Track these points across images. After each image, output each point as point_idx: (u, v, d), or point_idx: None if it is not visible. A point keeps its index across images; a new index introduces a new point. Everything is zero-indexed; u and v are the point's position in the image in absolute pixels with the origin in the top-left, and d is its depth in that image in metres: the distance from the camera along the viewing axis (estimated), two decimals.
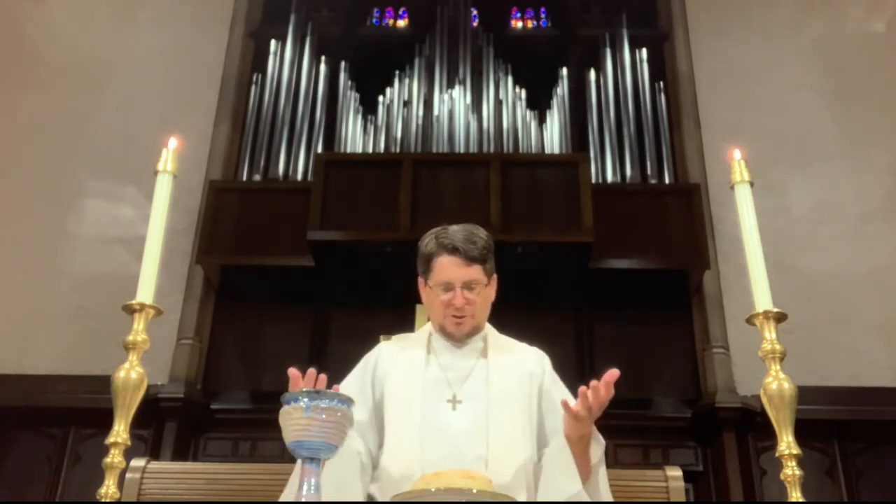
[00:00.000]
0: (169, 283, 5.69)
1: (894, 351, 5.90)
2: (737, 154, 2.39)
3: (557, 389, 2.24)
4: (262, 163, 6.32)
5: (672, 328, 6.06)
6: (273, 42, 6.83)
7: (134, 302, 2.13)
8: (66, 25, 7.13)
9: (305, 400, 1.51)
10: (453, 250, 2.13)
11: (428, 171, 6.00)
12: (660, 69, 6.87)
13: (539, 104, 6.64)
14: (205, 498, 2.51)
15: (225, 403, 5.83)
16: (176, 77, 6.88)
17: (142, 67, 6.95)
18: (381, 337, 2.44)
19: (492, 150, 6.26)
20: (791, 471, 2.05)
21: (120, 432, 2.04)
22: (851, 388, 5.70)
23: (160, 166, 2.31)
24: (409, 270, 2.37)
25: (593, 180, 6.06)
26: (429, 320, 2.30)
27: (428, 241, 2.19)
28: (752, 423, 5.50)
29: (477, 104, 6.50)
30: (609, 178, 6.29)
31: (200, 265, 5.97)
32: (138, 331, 2.11)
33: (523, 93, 6.61)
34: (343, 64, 6.81)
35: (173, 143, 2.37)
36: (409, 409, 2.10)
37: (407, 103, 6.51)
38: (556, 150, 6.37)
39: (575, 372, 5.77)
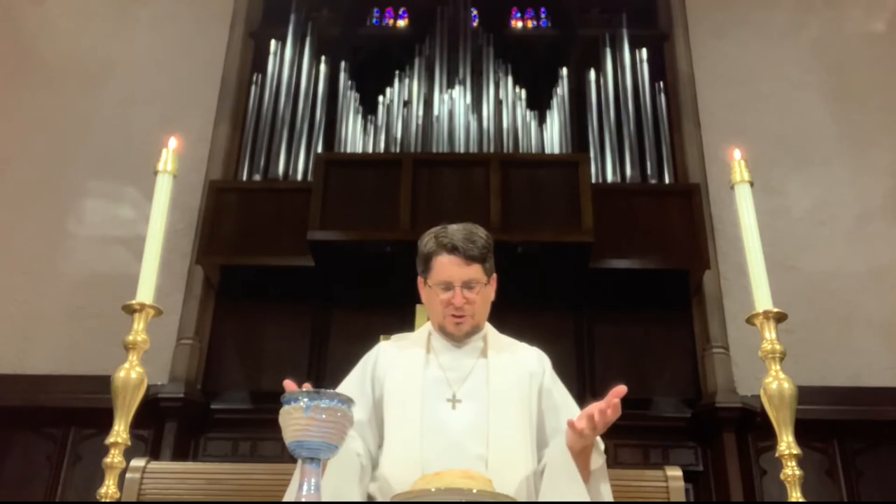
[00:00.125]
0: (169, 283, 5.69)
1: (894, 351, 5.90)
2: (737, 154, 2.39)
3: (558, 389, 2.24)
4: (262, 163, 6.32)
5: (672, 328, 6.06)
6: (273, 42, 6.83)
7: (134, 302, 2.13)
8: (66, 25, 7.13)
9: (305, 400, 1.51)
10: (453, 249, 2.13)
11: (428, 171, 6.00)
12: (660, 69, 6.87)
13: (539, 104, 6.64)
14: (205, 498, 2.51)
15: (225, 403, 5.83)
16: (176, 77, 6.88)
17: (142, 67, 6.96)
18: (381, 337, 2.44)
19: (492, 150, 6.26)
20: (791, 471, 2.05)
21: (120, 432, 2.04)
22: (851, 388, 5.70)
23: (160, 166, 2.31)
24: (409, 270, 2.38)
25: (593, 180, 6.06)
26: (428, 320, 2.30)
27: (427, 241, 2.19)
28: (752, 423, 5.50)
29: (477, 104, 6.50)
30: (609, 178, 6.29)
31: (200, 265, 5.97)
32: (138, 331, 2.12)
33: (523, 93, 6.61)
34: (343, 64, 6.81)
35: (173, 143, 2.37)
36: (409, 409, 2.10)
37: (407, 103, 6.51)
38: (556, 150, 6.37)
39: (575, 372, 5.78)
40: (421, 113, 6.44)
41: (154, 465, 2.60)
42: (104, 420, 2.18)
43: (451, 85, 6.55)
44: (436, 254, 2.15)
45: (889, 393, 5.70)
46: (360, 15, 7.37)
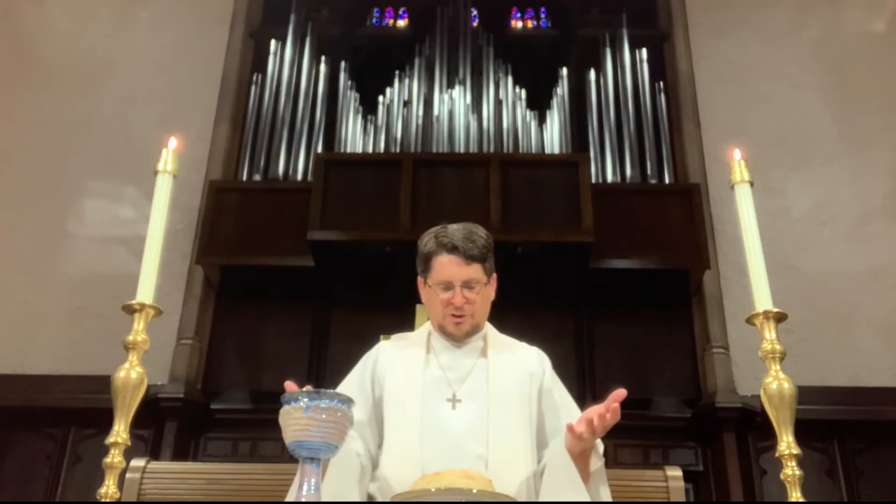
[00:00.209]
0: (169, 283, 5.69)
1: (894, 351, 5.90)
2: (737, 154, 2.39)
3: (558, 389, 2.23)
4: (262, 163, 6.32)
5: (672, 328, 6.06)
6: (273, 42, 6.83)
7: (134, 302, 2.13)
8: (66, 25, 7.13)
9: (305, 400, 1.51)
10: (452, 249, 2.13)
11: (428, 171, 6.00)
12: (660, 69, 6.87)
13: (539, 104, 6.64)
14: (205, 498, 2.51)
15: (225, 403, 5.83)
16: (176, 77, 6.88)
17: (142, 67, 6.96)
18: (381, 337, 2.44)
19: (492, 150, 6.26)
20: (791, 471, 2.05)
21: (120, 432, 2.04)
22: (851, 388, 5.70)
23: (160, 166, 2.31)
24: (408, 270, 2.37)
25: (593, 180, 6.06)
26: (428, 320, 2.30)
27: (427, 240, 2.19)
28: (752, 423, 5.50)
29: (477, 104, 6.50)
30: (609, 178, 6.29)
31: (200, 265, 5.97)
32: (138, 331, 2.12)
33: (523, 93, 6.61)
34: (343, 64, 6.81)
35: (173, 143, 2.37)
36: (409, 409, 2.10)
37: (407, 103, 6.51)
38: (556, 150, 6.37)
39: (575, 372, 5.78)
40: (421, 113, 6.44)
41: (154, 465, 2.60)
42: (104, 420, 2.18)
43: (451, 85, 6.55)
44: (436, 253, 2.15)
45: (889, 393, 5.70)
46: (360, 15, 7.37)
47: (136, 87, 6.87)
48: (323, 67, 6.81)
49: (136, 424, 2.11)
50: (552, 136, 6.48)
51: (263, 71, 6.76)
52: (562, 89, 6.67)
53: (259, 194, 6.20)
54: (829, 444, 5.62)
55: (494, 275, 2.22)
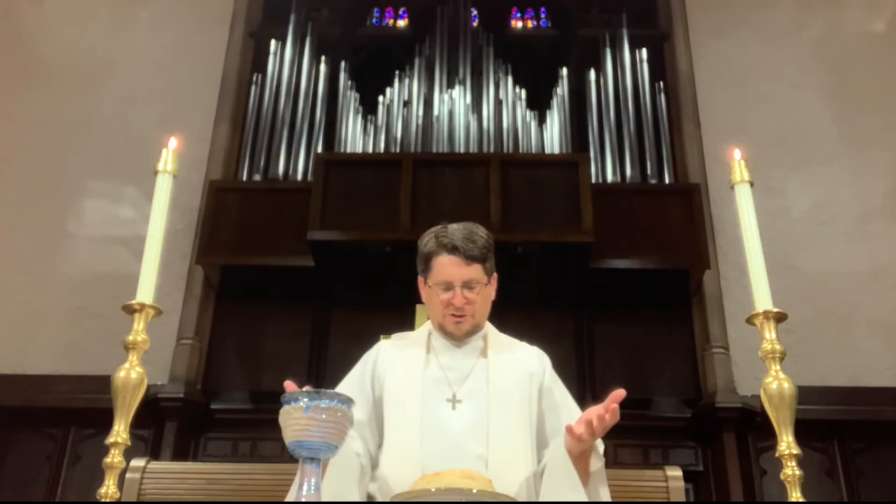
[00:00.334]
0: (169, 283, 5.69)
1: (894, 351, 5.90)
2: (737, 154, 2.39)
3: (558, 389, 2.23)
4: (262, 163, 6.32)
5: (672, 328, 6.06)
6: (273, 42, 6.82)
7: (134, 302, 2.13)
8: (66, 25, 7.13)
9: (305, 400, 1.51)
10: (453, 249, 2.12)
11: (428, 171, 6.00)
12: (660, 69, 6.87)
13: (539, 104, 6.64)
14: (205, 498, 2.51)
15: (225, 403, 5.83)
16: (176, 77, 6.88)
17: (142, 67, 6.96)
18: (381, 337, 2.44)
19: (492, 150, 6.26)
20: (791, 471, 2.05)
21: (120, 432, 2.04)
22: (851, 388, 5.70)
23: (160, 166, 2.31)
24: (409, 270, 2.37)
25: (593, 180, 6.06)
26: (428, 319, 2.30)
27: (427, 240, 2.18)
28: (752, 423, 5.50)
29: (477, 104, 6.50)
30: (609, 178, 6.29)
31: (200, 265, 5.97)
32: (138, 331, 2.12)
33: (523, 93, 6.61)
34: (343, 64, 6.81)
35: (173, 143, 2.37)
36: (409, 409, 2.09)
37: (407, 103, 6.50)
38: (556, 150, 6.37)
39: (575, 372, 5.78)
40: (421, 113, 6.44)
41: (154, 465, 2.60)
42: (104, 420, 2.18)
43: (451, 85, 6.55)
44: (436, 254, 2.15)
45: (889, 393, 5.70)
46: (360, 15, 7.37)
47: (136, 87, 6.87)
48: (323, 67, 6.81)
49: (136, 424, 2.11)
50: (552, 136, 6.48)
51: (263, 71, 6.76)
52: (562, 89, 6.67)
53: (259, 194, 6.20)
54: (829, 444, 5.62)
55: (495, 275, 2.21)
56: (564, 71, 6.77)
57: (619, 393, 1.88)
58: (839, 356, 5.82)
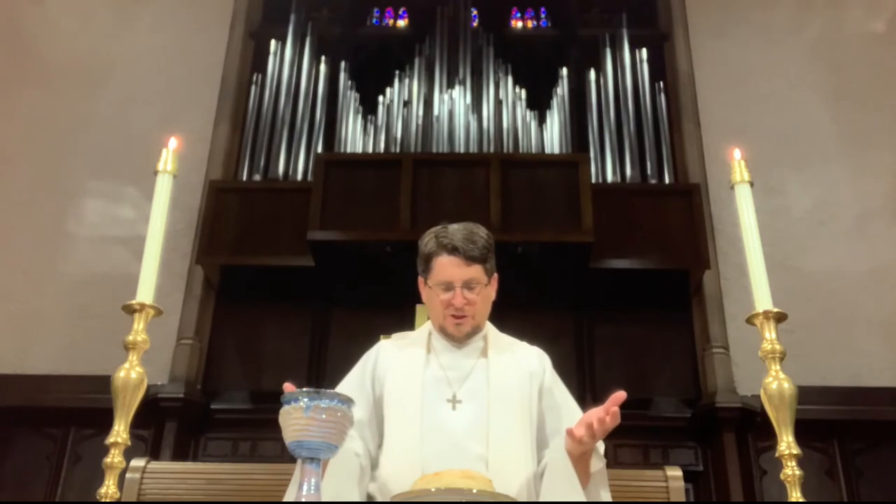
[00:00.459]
0: (169, 283, 5.69)
1: (894, 351, 5.90)
2: (737, 154, 2.39)
3: (558, 389, 2.23)
4: (262, 163, 6.32)
5: (672, 328, 6.06)
6: (273, 42, 6.82)
7: (134, 302, 2.13)
8: (66, 25, 7.13)
9: (305, 400, 1.51)
10: (453, 250, 2.12)
11: (428, 171, 6.00)
12: (660, 69, 6.87)
13: (539, 104, 6.64)
14: (205, 498, 2.51)
15: (225, 403, 5.83)
16: (176, 77, 6.88)
17: (141, 67, 6.95)
18: (381, 337, 2.44)
19: (492, 150, 6.26)
20: (791, 471, 2.05)
21: (120, 432, 2.04)
22: (851, 388, 5.70)
23: (160, 166, 2.32)
24: (409, 270, 2.37)
25: (593, 180, 6.06)
26: (429, 319, 2.30)
27: (428, 241, 2.18)
28: (752, 423, 5.50)
29: (477, 104, 6.50)
30: (609, 178, 6.29)
31: (200, 265, 5.97)
32: (138, 331, 2.12)
33: (523, 93, 6.61)
34: (343, 64, 6.81)
35: (173, 143, 2.37)
36: (409, 409, 2.09)
37: (407, 103, 6.50)
38: (556, 150, 6.37)
39: (575, 372, 5.78)
40: (421, 113, 6.44)
41: (154, 465, 2.60)
42: (104, 420, 2.18)
43: (451, 85, 6.55)
44: (436, 254, 2.14)
45: (889, 393, 5.70)
46: (360, 15, 7.37)
47: (136, 87, 6.87)
48: (323, 67, 6.81)
49: (136, 424, 2.12)
50: (552, 136, 6.48)
51: (263, 71, 6.76)
52: (562, 89, 6.67)
53: (259, 194, 6.20)
54: (829, 444, 5.62)
55: (496, 275, 2.21)
56: (564, 71, 6.77)
57: (620, 395, 1.88)
58: (839, 356, 5.82)
